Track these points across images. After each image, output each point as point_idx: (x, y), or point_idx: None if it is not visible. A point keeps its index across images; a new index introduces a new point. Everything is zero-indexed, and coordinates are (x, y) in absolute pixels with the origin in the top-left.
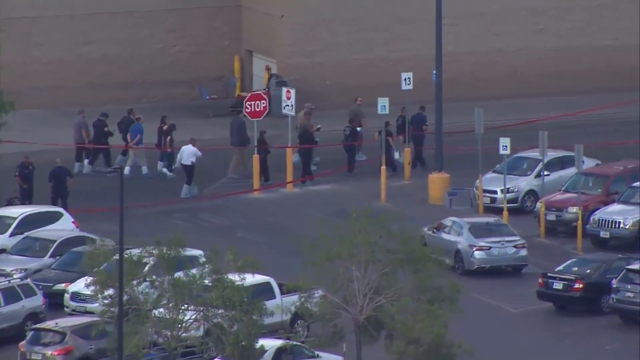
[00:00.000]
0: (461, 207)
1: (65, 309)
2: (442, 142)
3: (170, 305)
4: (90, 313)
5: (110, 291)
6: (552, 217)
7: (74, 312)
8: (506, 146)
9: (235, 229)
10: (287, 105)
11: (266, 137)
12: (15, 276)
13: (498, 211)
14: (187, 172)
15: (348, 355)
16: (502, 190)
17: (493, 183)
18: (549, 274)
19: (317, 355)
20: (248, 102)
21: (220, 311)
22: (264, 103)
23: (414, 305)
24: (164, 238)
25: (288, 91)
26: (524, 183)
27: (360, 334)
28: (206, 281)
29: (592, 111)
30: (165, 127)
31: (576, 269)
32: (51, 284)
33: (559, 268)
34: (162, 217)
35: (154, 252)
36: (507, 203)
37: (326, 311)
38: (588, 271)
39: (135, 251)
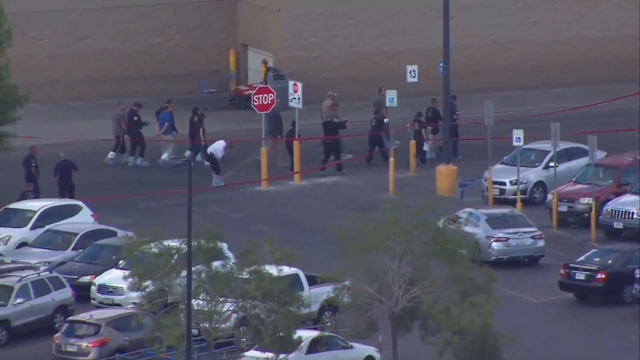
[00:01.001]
0: (473, 199)
1: (92, 301)
2: (449, 134)
3: (208, 297)
4: (118, 305)
5: (148, 283)
6: (563, 208)
7: (101, 305)
8: (520, 138)
9: (247, 221)
10: (294, 99)
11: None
12: (41, 269)
13: (507, 203)
14: (211, 162)
15: (383, 346)
16: (511, 182)
17: (502, 174)
18: (570, 265)
19: (351, 346)
20: (256, 96)
21: (258, 302)
22: (271, 96)
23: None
24: (201, 230)
25: (295, 84)
26: (532, 175)
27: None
28: (244, 273)
29: (601, 103)
30: (196, 119)
31: (598, 259)
32: (76, 277)
33: (580, 259)
34: (169, 210)
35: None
36: (515, 194)
37: (361, 302)
38: (610, 262)
39: (174, 243)
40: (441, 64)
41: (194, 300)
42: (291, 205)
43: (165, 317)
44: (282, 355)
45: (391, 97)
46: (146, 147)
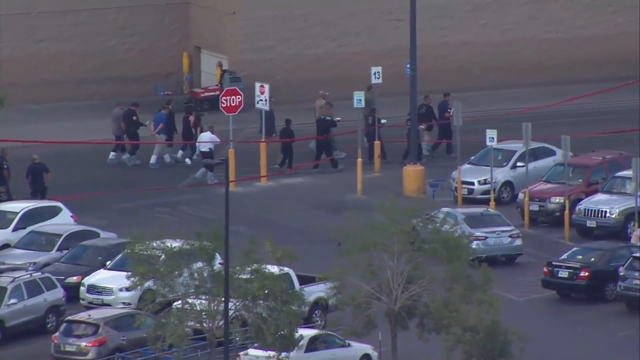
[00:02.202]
0: (443, 199)
1: (81, 301)
2: (416, 134)
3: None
4: (107, 305)
5: (150, 283)
6: (535, 207)
7: (91, 305)
8: (493, 138)
9: (222, 222)
10: (261, 100)
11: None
12: (29, 269)
13: (476, 202)
14: (204, 158)
15: (380, 343)
16: (479, 182)
17: (469, 174)
18: (553, 263)
19: (348, 344)
20: (224, 97)
21: (260, 301)
22: (239, 98)
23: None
24: (204, 230)
25: (262, 86)
26: (500, 174)
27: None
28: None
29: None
30: (192, 118)
31: (580, 257)
32: (63, 277)
33: (563, 257)
34: (143, 211)
35: (195, 244)
36: (484, 194)
37: (360, 301)
38: (593, 259)
39: (176, 244)
40: (408, 65)
41: (195, 299)
42: (262, 206)
43: (168, 316)
44: (283, 354)
45: (359, 98)
46: (138, 148)
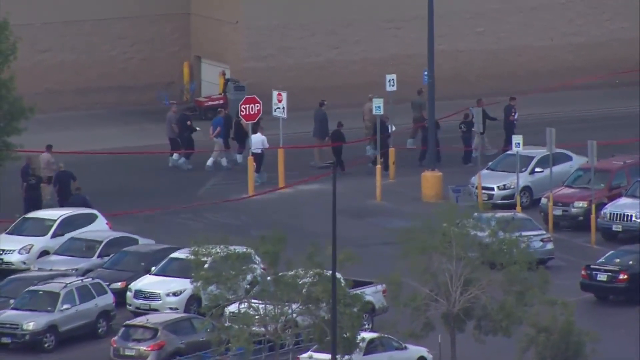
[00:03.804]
0: (466, 204)
1: (128, 306)
2: (435, 140)
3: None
4: (155, 310)
5: (213, 287)
6: (558, 212)
7: (138, 310)
8: (519, 143)
9: (247, 227)
10: (278, 108)
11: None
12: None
13: (495, 207)
14: (255, 160)
15: (437, 346)
16: (499, 187)
17: (488, 180)
18: (592, 266)
19: (405, 347)
20: (243, 105)
21: (323, 305)
22: (257, 106)
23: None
24: (267, 234)
25: (279, 94)
26: (519, 180)
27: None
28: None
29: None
30: (243, 122)
31: (618, 260)
32: (107, 283)
33: (600, 260)
34: (167, 217)
35: (259, 248)
36: (504, 199)
37: (419, 303)
38: (631, 262)
39: (240, 248)
40: (425, 72)
41: (259, 303)
42: (283, 211)
43: (234, 320)
44: (346, 357)
45: (378, 105)
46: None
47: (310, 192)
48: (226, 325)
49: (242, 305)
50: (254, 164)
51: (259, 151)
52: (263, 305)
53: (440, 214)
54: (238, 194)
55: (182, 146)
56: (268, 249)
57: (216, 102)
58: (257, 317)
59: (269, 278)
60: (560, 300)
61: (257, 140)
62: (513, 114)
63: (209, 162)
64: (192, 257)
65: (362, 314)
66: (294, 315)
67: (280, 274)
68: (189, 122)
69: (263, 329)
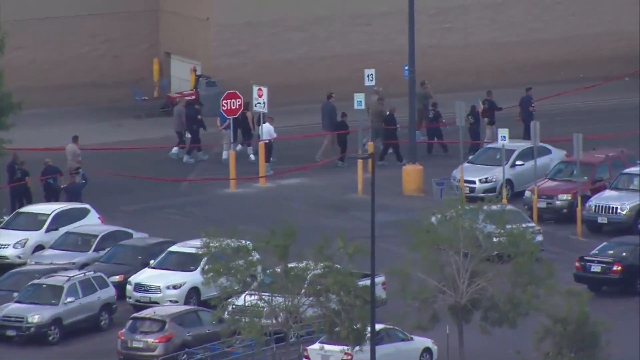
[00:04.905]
0: (448, 197)
1: (128, 299)
2: (415, 135)
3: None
4: (155, 303)
5: (223, 279)
6: (542, 204)
7: (138, 303)
8: (505, 137)
9: (232, 222)
10: (259, 103)
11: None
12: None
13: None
14: (268, 149)
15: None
16: (480, 180)
17: (470, 173)
18: (586, 258)
19: (411, 338)
20: (224, 100)
21: (333, 296)
22: (239, 101)
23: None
24: (275, 227)
25: (260, 89)
26: (501, 173)
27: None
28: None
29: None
30: (249, 114)
31: (612, 252)
32: (105, 277)
33: (594, 251)
34: (152, 212)
35: (267, 241)
36: (485, 192)
37: (427, 295)
38: (624, 254)
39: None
40: (406, 67)
41: (270, 295)
42: (266, 206)
43: (243, 312)
44: (357, 347)
45: (359, 100)
46: (195, 147)
47: (291, 186)
48: (236, 317)
49: (252, 297)
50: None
51: (267, 141)
52: (272, 298)
53: (450, 205)
54: (220, 188)
55: (192, 140)
56: (278, 243)
57: (188, 98)
58: (266, 309)
59: (278, 270)
60: (578, 290)
61: (266, 131)
62: (532, 104)
63: (224, 154)
64: (204, 249)
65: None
66: (305, 306)
67: (290, 265)
68: (199, 117)
69: (271, 321)
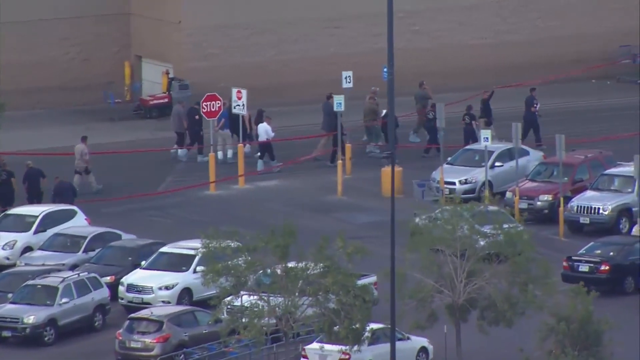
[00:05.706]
0: (431, 198)
1: (120, 300)
2: (393, 132)
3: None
4: (147, 304)
5: (223, 280)
6: (523, 205)
7: (131, 303)
8: (487, 138)
9: (215, 223)
10: (238, 105)
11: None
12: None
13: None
14: (261, 149)
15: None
16: (460, 182)
17: (449, 174)
18: (573, 257)
19: (408, 338)
20: (205, 103)
21: (332, 296)
22: (218, 104)
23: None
24: (277, 227)
25: (239, 91)
26: (480, 174)
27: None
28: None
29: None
30: (244, 115)
31: (599, 251)
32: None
33: (581, 251)
34: (134, 214)
35: (267, 241)
36: (465, 194)
37: (424, 295)
38: (612, 253)
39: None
40: (385, 69)
41: (271, 296)
42: (247, 207)
43: (242, 312)
44: (355, 347)
45: (339, 102)
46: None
47: (270, 188)
48: (235, 317)
49: (252, 298)
50: (259, 152)
51: (265, 139)
52: (272, 297)
53: (448, 206)
54: (200, 190)
55: (191, 140)
56: (278, 243)
57: (161, 101)
58: (266, 309)
59: (278, 270)
60: (581, 288)
61: (262, 130)
62: (535, 105)
63: (229, 154)
64: (203, 249)
65: (371, 305)
66: (304, 306)
67: (290, 265)
68: (197, 117)
69: (270, 320)
